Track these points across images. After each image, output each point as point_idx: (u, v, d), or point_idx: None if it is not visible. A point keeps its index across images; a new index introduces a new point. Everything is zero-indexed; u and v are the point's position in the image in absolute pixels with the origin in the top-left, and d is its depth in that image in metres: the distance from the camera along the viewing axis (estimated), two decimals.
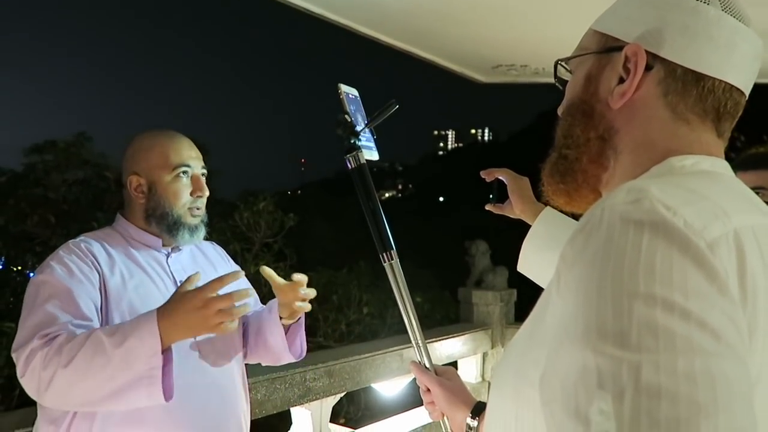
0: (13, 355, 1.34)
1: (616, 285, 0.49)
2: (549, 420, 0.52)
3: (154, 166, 1.53)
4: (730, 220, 0.55)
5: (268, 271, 1.53)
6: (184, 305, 1.29)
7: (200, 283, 1.57)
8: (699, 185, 0.60)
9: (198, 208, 1.57)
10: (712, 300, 0.49)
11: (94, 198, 8.10)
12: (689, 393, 0.45)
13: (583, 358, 0.49)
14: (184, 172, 1.54)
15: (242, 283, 1.75)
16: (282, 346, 1.64)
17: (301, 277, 1.53)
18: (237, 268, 1.79)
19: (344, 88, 1.12)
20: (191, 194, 1.55)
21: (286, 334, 1.63)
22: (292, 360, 1.70)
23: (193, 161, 1.57)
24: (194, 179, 1.56)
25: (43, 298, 1.36)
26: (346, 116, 1.10)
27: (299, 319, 1.66)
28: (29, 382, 1.30)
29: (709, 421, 0.44)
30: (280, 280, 1.53)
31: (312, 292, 1.55)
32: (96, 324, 1.38)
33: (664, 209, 0.52)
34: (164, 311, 1.30)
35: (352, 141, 1.10)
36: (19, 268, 8.38)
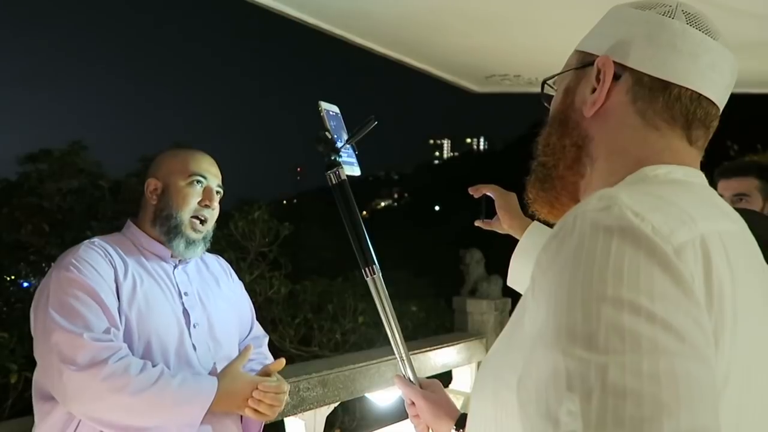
0: (52, 339, 1.32)
1: (585, 289, 0.51)
2: (525, 421, 0.53)
3: (172, 171, 1.59)
4: (697, 226, 0.57)
5: (274, 367, 1.64)
6: (235, 388, 1.47)
7: (203, 296, 1.64)
8: (668, 193, 0.63)
9: (202, 221, 1.60)
10: (678, 303, 0.51)
11: (89, 207, 8.08)
12: (653, 392, 0.46)
13: (554, 360, 0.51)
14: (199, 181, 1.59)
15: (246, 308, 1.81)
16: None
17: (285, 386, 1.59)
18: (239, 283, 1.85)
19: (324, 105, 1.15)
20: (199, 203, 1.59)
21: None
22: None
23: (211, 175, 1.62)
24: (207, 190, 1.61)
25: (70, 294, 1.37)
26: (327, 133, 1.12)
27: None
28: (83, 379, 1.30)
29: (671, 419, 0.45)
30: (274, 377, 1.61)
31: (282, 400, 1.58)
32: (120, 330, 1.41)
33: (632, 215, 0.55)
34: (222, 388, 1.43)
35: (332, 157, 1.12)
36: (13, 277, 8.33)
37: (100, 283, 1.40)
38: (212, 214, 1.63)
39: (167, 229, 1.56)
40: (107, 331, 1.36)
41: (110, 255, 1.49)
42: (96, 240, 1.53)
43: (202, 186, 1.60)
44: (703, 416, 0.47)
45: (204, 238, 1.63)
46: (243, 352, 1.53)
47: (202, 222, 1.60)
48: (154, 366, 1.39)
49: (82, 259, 1.43)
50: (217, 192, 1.63)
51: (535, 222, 1.26)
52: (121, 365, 1.33)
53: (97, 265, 1.44)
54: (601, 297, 0.50)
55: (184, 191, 1.58)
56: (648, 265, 0.52)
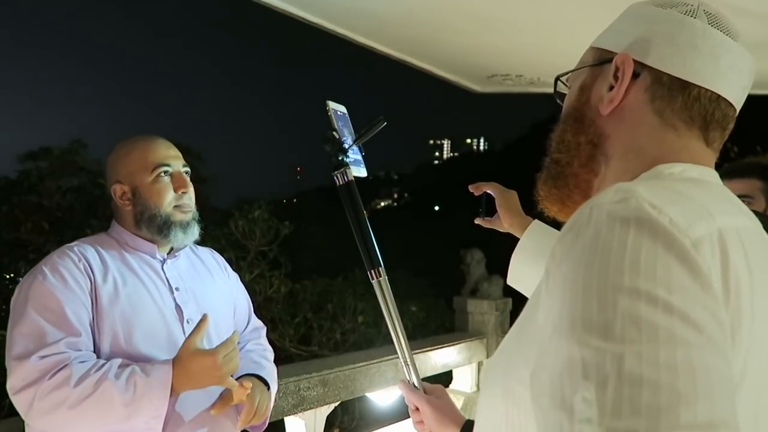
0: (7, 365, 1.33)
1: (601, 279, 0.51)
2: (538, 414, 0.53)
3: (134, 171, 1.53)
4: (715, 220, 0.57)
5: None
6: (196, 366, 1.37)
7: (197, 290, 1.60)
8: (685, 188, 0.62)
9: (185, 205, 1.57)
10: (695, 295, 0.51)
11: (88, 205, 8.07)
12: (670, 382, 0.46)
13: (569, 350, 0.50)
14: (165, 172, 1.54)
15: (242, 301, 1.78)
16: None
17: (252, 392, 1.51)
18: (235, 276, 1.80)
19: (332, 105, 1.13)
20: (175, 191, 1.55)
21: None
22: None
23: (172, 160, 1.56)
24: (175, 176, 1.56)
25: (33, 306, 1.35)
26: (334, 133, 1.10)
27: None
28: (21, 401, 1.31)
29: (689, 409, 0.45)
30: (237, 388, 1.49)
31: (261, 405, 1.54)
32: (86, 339, 1.38)
33: (650, 207, 0.54)
34: (178, 371, 1.35)
35: (340, 158, 1.10)
36: (12, 275, 8.33)
37: (66, 293, 1.37)
38: (191, 197, 1.59)
39: (158, 228, 1.52)
40: (61, 343, 1.32)
41: (87, 260, 1.45)
42: (75, 245, 1.49)
43: (169, 174, 1.54)
44: (720, 408, 0.47)
45: (194, 218, 1.59)
46: (198, 324, 1.42)
47: (186, 206, 1.57)
48: (102, 366, 1.33)
49: (52, 267, 1.40)
50: (186, 173, 1.59)
51: (536, 221, 1.25)
52: (58, 379, 1.28)
53: (68, 272, 1.40)
54: (617, 287, 0.50)
55: (156, 188, 1.52)
56: (665, 256, 0.51)
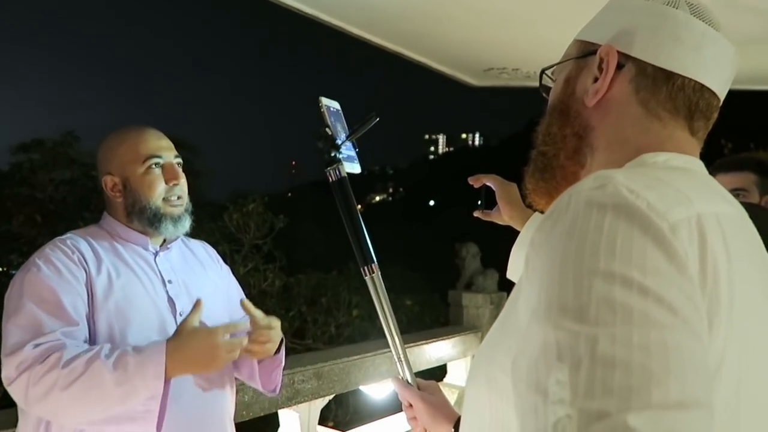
0: (2, 359, 1.32)
1: (577, 263, 0.51)
2: (516, 399, 0.53)
3: (125, 162, 1.51)
4: (694, 205, 0.57)
5: (247, 305, 1.52)
6: (194, 345, 1.33)
7: (189, 282, 1.58)
8: (666, 176, 0.62)
9: (178, 197, 1.55)
10: (671, 278, 0.51)
11: (81, 198, 8.04)
12: (643, 362, 0.46)
13: (545, 334, 0.50)
14: (156, 163, 1.52)
15: (235, 294, 1.75)
16: (249, 375, 1.65)
17: (275, 322, 1.55)
18: (227, 269, 1.79)
19: (325, 101, 1.12)
20: (166, 183, 1.53)
21: (260, 364, 1.63)
22: (263, 391, 1.69)
23: (164, 151, 1.54)
24: (167, 168, 1.53)
25: (29, 298, 1.34)
26: (327, 129, 1.09)
27: (277, 355, 1.63)
28: (16, 390, 1.29)
29: (660, 388, 0.45)
30: (258, 313, 1.52)
31: (275, 336, 1.55)
32: (83, 329, 1.36)
33: (627, 192, 0.54)
34: (173, 348, 1.31)
35: (332, 154, 1.09)
36: (4, 268, 8.29)
37: (61, 283, 1.36)
38: (182, 189, 1.56)
39: (148, 221, 1.51)
40: (58, 332, 1.31)
41: (80, 252, 1.44)
42: (67, 236, 1.47)
43: (160, 166, 1.52)
44: (693, 387, 0.46)
45: (186, 210, 1.57)
46: (194, 306, 1.39)
47: (178, 198, 1.55)
48: (94, 348, 1.31)
49: (46, 259, 1.39)
50: (178, 164, 1.57)
51: (537, 213, 1.24)
52: (49, 362, 1.26)
53: (62, 264, 1.38)
54: (592, 271, 0.50)
55: (147, 179, 1.50)
56: (641, 240, 0.51)
